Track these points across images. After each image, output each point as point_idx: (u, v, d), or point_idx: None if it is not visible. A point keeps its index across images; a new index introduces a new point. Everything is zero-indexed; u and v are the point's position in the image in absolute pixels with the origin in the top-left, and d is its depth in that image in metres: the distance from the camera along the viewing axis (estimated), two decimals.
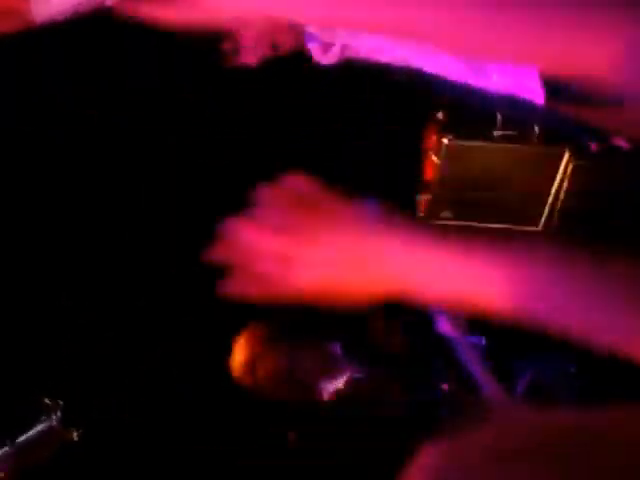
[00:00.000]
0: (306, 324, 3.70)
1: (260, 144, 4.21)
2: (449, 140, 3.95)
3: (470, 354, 3.49)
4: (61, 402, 3.56)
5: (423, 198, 4.18)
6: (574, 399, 3.52)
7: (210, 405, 4.19)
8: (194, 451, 4.24)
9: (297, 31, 2.92)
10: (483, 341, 3.55)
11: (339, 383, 3.69)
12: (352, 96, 3.96)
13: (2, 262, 4.06)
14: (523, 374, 3.69)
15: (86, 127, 4.05)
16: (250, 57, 2.91)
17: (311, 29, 2.89)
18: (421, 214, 4.23)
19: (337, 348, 3.76)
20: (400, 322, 3.77)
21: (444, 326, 3.53)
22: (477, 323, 3.43)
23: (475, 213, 4.18)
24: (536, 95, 2.78)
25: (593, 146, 3.06)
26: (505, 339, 3.47)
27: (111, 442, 4.13)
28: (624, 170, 3.53)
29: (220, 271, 1.40)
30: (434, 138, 4.00)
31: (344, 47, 2.94)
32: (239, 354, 3.68)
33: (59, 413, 3.54)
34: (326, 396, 3.70)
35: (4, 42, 2.56)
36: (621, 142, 2.93)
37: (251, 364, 3.65)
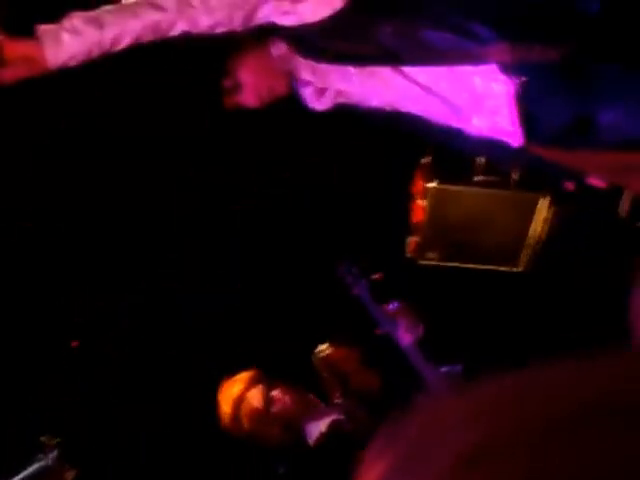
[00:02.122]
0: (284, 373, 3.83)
1: (252, 186, 4.34)
2: (434, 185, 4.15)
3: (418, 355, 3.59)
4: (58, 440, 3.54)
5: (412, 239, 4.34)
6: None
7: (201, 448, 4.28)
8: None
9: (291, 76, 3.07)
10: (459, 368, 3.65)
11: (323, 426, 3.79)
12: (344, 141, 4.08)
13: None
14: None
15: (88, 166, 4.16)
16: (249, 96, 3.01)
17: (305, 75, 3.04)
18: (410, 255, 4.37)
19: (312, 395, 3.87)
20: (375, 364, 3.88)
21: (403, 337, 3.63)
22: (454, 350, 3.53)
23: (458, 254, 4.34)
24: (514, 137, 2.93)
25: (570, 185, 3.19)
26: (481, 366, 3.55)
27: None
28: (600, 210, 3.66)
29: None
30: (420, 183, 4.17)
31: (337, 93, 3.05)
32: (224, 403, 3.79)
33: (56, 452, 3.50)
34: (312, 440, 3.80)
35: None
36: (596, 182, 3.04)
37: (235, 410, 3.76)
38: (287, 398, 3.76)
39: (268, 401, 3.74)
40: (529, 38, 2.72)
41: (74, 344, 4.31)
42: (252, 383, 3.79)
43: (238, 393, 3.78)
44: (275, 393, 3.76)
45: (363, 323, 3.71)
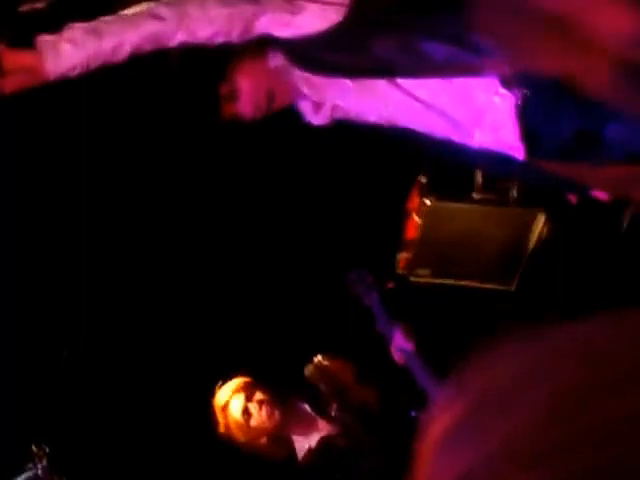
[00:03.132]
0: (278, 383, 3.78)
1: (245, 200, 4.31)
2: (431, 202, 4.10)
3: (419, 365, 3.53)
4: (47, 449, 3.51)
5: (403, 256, 4.30)
6: None
7: (196, 456, 4.22)
8: None
9: (291, 88, 3.03)
10: None
11: (313, 441, 3.74)
12: (340, 156, 4.06)
13: None
14: None
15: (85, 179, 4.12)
16: (246, 104, 2.97)
17: (302, 88, 3.00)
18: (400, 271, 4.33)
19: (306, 406, 3.82)
20: (372, 376, 3.83)
21: (399, 341, 3.57)
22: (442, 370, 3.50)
23: (452, 271, 4.31)
24: (516, 151, 2.89)
25: (572, 198, 3.16)
26: None
27: None
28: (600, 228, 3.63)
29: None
30: (417, 199, 4.13)
31: (334, 107, 3.01)
32: (215, 410, 3.74)
33: (45, 461, 3.47)
34: (301, 455, 3.75)
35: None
36: (600, 194, 3.00)
37: (223, 418, 3.71)
38: (265, 412, 3.68)
39: (246, 413, 3.68)
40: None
41: (65, 353, 4.27)
42: (236, 391, 3.74)
43: (224, 402, 3.73)
44: (252, 406, 3.69)
45: (368, 333, 3.68)
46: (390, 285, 3.69)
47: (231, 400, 3.71)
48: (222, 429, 3.74)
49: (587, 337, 0.83)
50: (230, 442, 3.75)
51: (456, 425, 0.83)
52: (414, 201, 4.15)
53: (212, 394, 3.77)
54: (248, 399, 3.69)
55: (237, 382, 3.76)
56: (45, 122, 3.91)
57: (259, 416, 3.67)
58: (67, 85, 2.73)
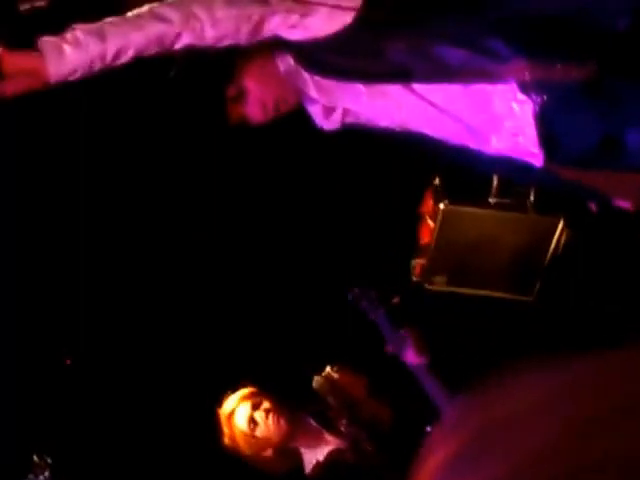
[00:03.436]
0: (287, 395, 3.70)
1: (258, 202, 4.23)
2: (445, 205, 4.00)
3: (431, 380, 3.46)
4: (50, 460, 3.49)
5: (418, 262, 4.20)
6: None
7: (199, 467, 4.16)
8: None
9: (300, 92, 2.95)
10: None
11: (321, 455, 3.66)
12: (351, 160, 3.98)
13: None
14: None
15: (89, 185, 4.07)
16: (254, 107, 2.90)
17: (312, 92, 2.90)
18: (415, 278, 4.24)
19: (311, 420, 3.72)
20: (385, 393, 3.76)
21: (410, 357, 3.49)
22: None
23: (468, 280, 4.20)
24: (535, 158, 2.81)
25: (593, 207, 3.06)
26: None
27: None
28: (621, 236, 3.53)
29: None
30: (431, 203, 4.04)
31: (345, 112, 2.93)
32: (221, 420, 3.65)
33: (47, 472, 3.46)
34: (308, 469, 3.66)
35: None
36: (623, 203, 2.92)
37: (229, 428, 3.62)
38: (272, 421, 3.57)
39: (252, 423, 3.58)
40: (550, 56, 2.62)
41: (68, 361, 4.23)
42: (242, 399, 3.64)
43: (229, 412, 3.63)
44: (259, 415, 3.59)
45: (376, 348, 3.59)
46: (396, 300, 3.60)
47: (237, 408, 3.61)
48: (227, 440, 3.64)
49: (599, 371, 0.84)
50: (236, 454, 3.65)
51: (457, 455, 0.82)
52: (428, 205, 4.06)
53: (219, 405, 3.68)
54: (255, 407, 3.59)
55: (244, 391, 3.67)
56: (46, 123, 3.85)
57: (265, 425, 3.56)
58: (71, 86, 2.63)
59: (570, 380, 0.84)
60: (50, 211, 4.05)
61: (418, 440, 3.09)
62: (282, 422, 3.58)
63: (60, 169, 4.00)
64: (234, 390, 3.67)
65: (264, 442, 3.59)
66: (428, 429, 3.48)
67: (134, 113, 3.88)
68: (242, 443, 3.61)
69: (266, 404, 3.60)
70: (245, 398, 3.64)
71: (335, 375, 3.75)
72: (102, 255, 4.17)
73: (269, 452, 3.60)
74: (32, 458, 3.48)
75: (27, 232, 3.99)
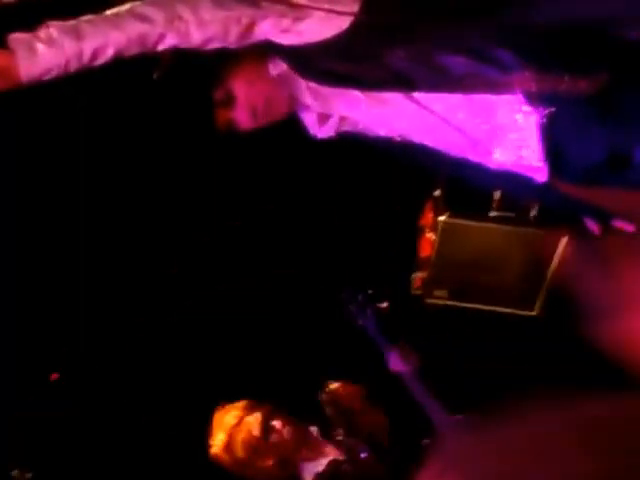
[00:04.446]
0: (285, 405, 3.66)
1: (256, 215, 4.18)
2: (446, 218, 3.92)
3: (421, 391, 3.43)
4: (31, 475, 3.49)
5: (418, 276, 4.14)
6: None
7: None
8: None
9: (293, 99, 2.85)
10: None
11: (320, 466, 3.59)
12: (348, 170, 3.91)
13: None
14: None
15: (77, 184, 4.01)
16: (242, 112, 2.79)
17: (306, 99, 2.79)
18: (416, 292, 4.18)
19: (314, 430, 3.67)
20: (382, 403, 3.70)
21: (395, 364, 3.48)
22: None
23: (469, 294, 4.14)
24: (539, 173, 2.71)
25: (594, 228, 2.98)
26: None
27: None
28: (623, 255, 3.45)
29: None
30: (431, 215, 3.97)
31: (341, 119, 2.84)
32: (218, 429, 3.58)
33: None
34: (308, 479, 3.60)
35: None
36: (625, 225, 2.84)
37: (229, 437, 3.56)
38: (287, 430, 3.54)
39: (267, 429, 3.52)
40: (558, 67, 2.51)
41: (53, 377, 4.16)
42: (250, 409, 3.58)
43: (235, 419, 3.56)
44: (275, 422, 3.54)
45: (370, 357, 3.57)
46: (384, 305, 3.54)
47: (248, 416, 3.55)
48: (218, 450, 3.55)
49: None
50: (220, 466, 3.58)
51: None
52: (427, 217, 3.99)
53: (209, 419, 3.61)
54: (270, 416, 3.55)
55: (247, 401, 3.61)
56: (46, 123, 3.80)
57: (282, 434, 3.53)
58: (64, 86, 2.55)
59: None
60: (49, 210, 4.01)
61: (415, 451, 3.05)
62: (295, 432, 3.55)
63: (52, 170, 3.95)
64: (231, 402, 3.62)
65: (274, 449, 3.52)
66: (425, 442, 3.46)
67: (127, 114, 3.81)
68: (243, 449, 3.53)
69: (277, 413, 3.56)
70: (253, 407, 3.58)
71: (332, 386, 3.73)
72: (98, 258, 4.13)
73: (270, 462, 3.53)
74: (11, 473, 3.46)
75: (27, 232, 3.95)
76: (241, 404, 3.60)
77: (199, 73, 2.78)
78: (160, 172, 4.02)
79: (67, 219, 4.01)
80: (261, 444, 3.51)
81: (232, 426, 3.55)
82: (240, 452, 3.53)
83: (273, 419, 3.54)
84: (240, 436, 3.53)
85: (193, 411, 3.74)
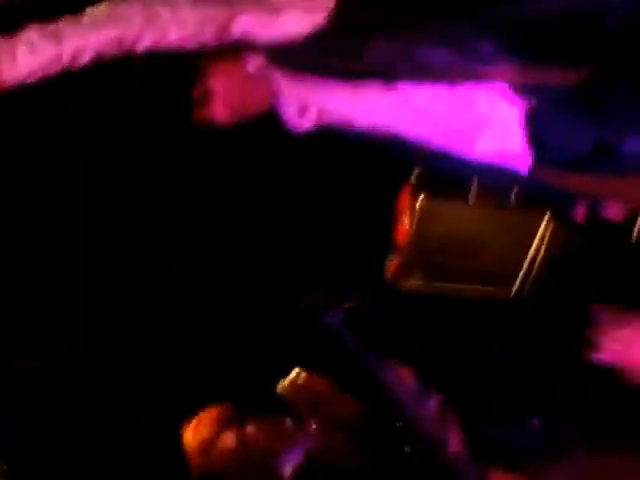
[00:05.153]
0: (256, 402, 3.64)
1: (231, 204, 4.14)
2: (422, 201, 3.86)
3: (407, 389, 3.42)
4: (6, 467, 3.49)
5: (394, 260, 4.09)
6: (540, 451, 3.49)
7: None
8: None
9: (270, 90, 2.83)
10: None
11: (299, 457, 3.59)
12: (325, 160, 3.85)
13: None
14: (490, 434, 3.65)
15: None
16: (219, 107, 2.77)
17: (285, 92, 2.79)
18: (390, 277, 4.13)
19: (288, 421, 3.68)
20: (352, 388, 3.71)
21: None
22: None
23: (447, 278, 4.09)
24: (522, 163, 2.69)
25: (579, 216, 2.98)
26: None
27: None
28: (607, 242, 3.46)
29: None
30: (407, 199, 3.92)
31: (320, 111, 2.81)
32: (193, 438, 3.57)
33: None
34: (287, 471, 3.60)
35: None
36: (611, 213, 2.86)
37: (205, 448, 3.54)
38: (261, 434, 3.48)
39: (243, 441, 3.48)
40: (541, 58, 2.50)
41: (25, 364, 4.12)
42: (223, 426, 3.51)
43: (207, 437, 3.47)
44: (249, 430, 3.50)
45: (337, 353, 3.50)
46: (350, 304, 3.50)
47: (222, 434, 3.51)
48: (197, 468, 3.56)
49: None
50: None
51: None
52: (404, 200, 3.93)
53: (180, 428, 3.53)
54: (242, 428, 3.47)
55: (218, 413, 3.55)
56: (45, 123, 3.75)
57: (257, 439, 3.43)
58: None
59: None
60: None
61: (390, 434, 3.04)
62: (269, 432, 3.45)
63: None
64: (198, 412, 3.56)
65: (253, 456, 3.48)
66: (398, 424, 3.47)
67: (126, 114, 3.78)
68: (226, 463, 3.52)
69: (248, 420, 3.46)
70: (225, 422, 3.50)
71: (298, 377, 3.64)
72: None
73: (252, 466, 3.52)
74: None
75: (27, 232, 3.93)
76: (211, 418, 3.49)
77: (178, 73, 2.78)
78: (160, 172, 4.01)
79: (67, 219, 4.00)
80: (240, 454, 3.45)
81: (204, 443, 3.52)
82: (219, 465, 3.54)
83: (246, 428, 3.51)
84: (217, 453, 3.48)
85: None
